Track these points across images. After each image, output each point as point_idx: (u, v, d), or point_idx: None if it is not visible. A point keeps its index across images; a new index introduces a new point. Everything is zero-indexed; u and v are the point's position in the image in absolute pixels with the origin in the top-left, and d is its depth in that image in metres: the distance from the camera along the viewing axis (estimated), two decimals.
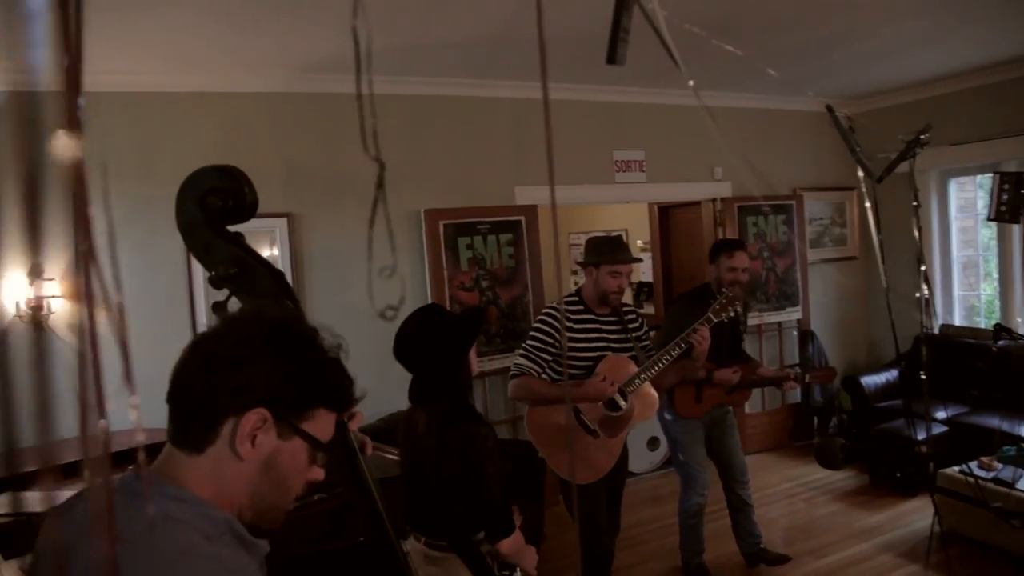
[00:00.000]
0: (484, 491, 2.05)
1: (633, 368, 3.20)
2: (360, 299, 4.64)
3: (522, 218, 5.09)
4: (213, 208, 1.24)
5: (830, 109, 0.86)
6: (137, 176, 4.00)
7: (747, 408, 5.82)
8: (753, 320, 5.68)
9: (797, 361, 6.14)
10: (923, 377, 2.61)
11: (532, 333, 3.20)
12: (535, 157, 5.17)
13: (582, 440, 3.09)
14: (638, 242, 8.24)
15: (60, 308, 3.88)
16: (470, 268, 4.92)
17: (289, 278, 4.36)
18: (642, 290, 7.55)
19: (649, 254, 7.91)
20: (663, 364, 3.15)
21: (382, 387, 4.55)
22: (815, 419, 6.00)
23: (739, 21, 3.90)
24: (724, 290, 3.38)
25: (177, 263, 4.17)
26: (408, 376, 2.31)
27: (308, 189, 4.49)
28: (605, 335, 3.24)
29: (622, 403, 3.13)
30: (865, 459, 5.21)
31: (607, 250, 3.22)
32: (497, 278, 4.97)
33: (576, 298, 3.29)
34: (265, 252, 4.37)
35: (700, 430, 3.79)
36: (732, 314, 3.29)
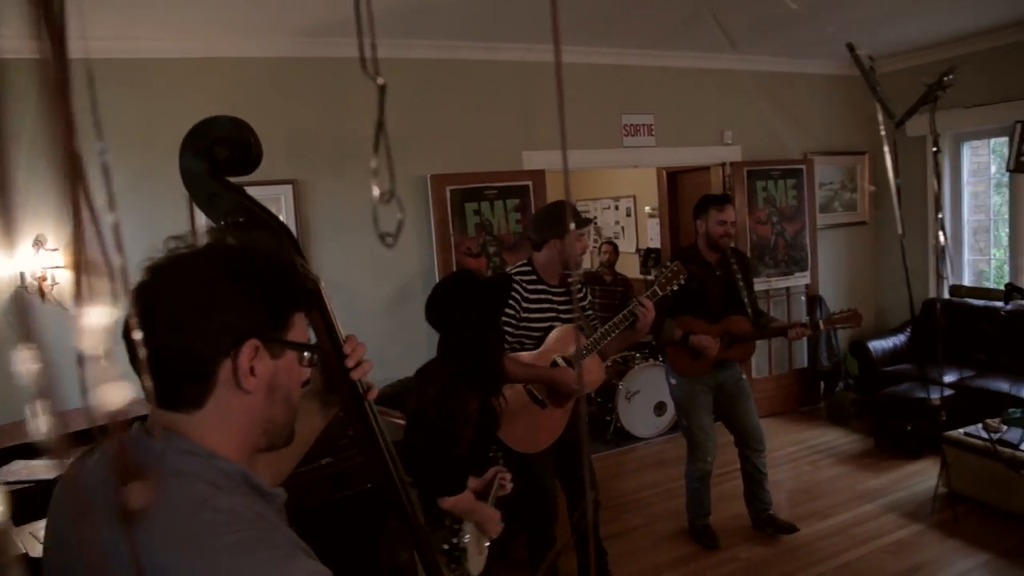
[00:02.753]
0: (445, 448, 2.09)
1: (581, 338, 3.22)
2: (366, 267, 4.66)
3: (530, 183, 5.06)
4: (220, 158, 1.24)
5: (851, 48, 0.84)
6: (140, 144, 3.99)
7: (754, 373, 5.84)
8: (761, 285, 5.66)
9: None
10: (940, 323, 2.57)
11: None
12: (543, 121, 5.12)
13: (531, 411, 3.10)
14: (646, 208, 8.20)
15: (65, 279, 3.90)
16: (477, 234, 4.91)
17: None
18: (649, 256, 7.53)
19: (657, 220, 7.88)
20: (610, 336, 3.16)
21: (390, 353, 4.65)
22: (822, 383, 6.01)
23: None
24: (668, 264, 3.38)
25: (181, 231, 4.18)
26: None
27: (313, 155, 4.47)
28: (555, 306, 3.25)
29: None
30: (871, 421, 5.24)
31: (562, 218, 3.19)
32: (504, 244, 4.97)
33: (529, 268, 3.25)
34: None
35: (707, 394, 3.79)
36: (676, 287, 3.25)
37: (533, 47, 4.86)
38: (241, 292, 0.96)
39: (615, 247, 6.76)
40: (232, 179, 1.31)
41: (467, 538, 2.14)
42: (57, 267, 3.86)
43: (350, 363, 1.28)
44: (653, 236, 8.05)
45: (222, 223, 1.28)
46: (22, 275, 3.83)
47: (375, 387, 1.34)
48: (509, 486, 2.44)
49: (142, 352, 0.89)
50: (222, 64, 4.22)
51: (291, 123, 4.40)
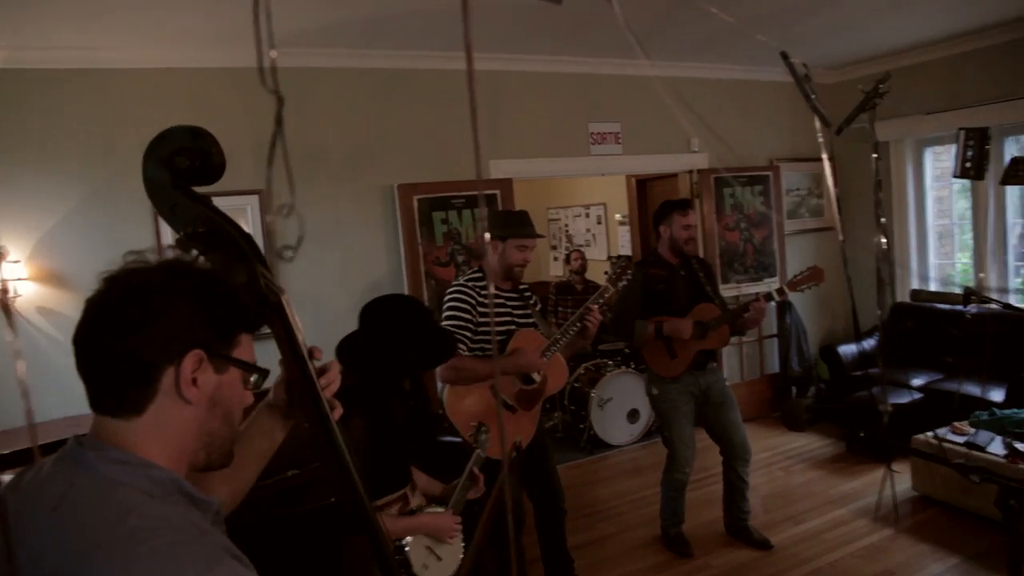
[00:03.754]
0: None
1: (543, 340, 3.21)
2: (334, 276, 4.59)
3: (497, 192, 5.03)
4: (181, 168, 1.21)
5: (784, 56, 0.82)
6: (100, 157, 3.90)
7: (726, 378, 5.84)
8: (730, 291, 5.68)
9: (775, 332, 6.18)
10: (884, 329, 2.58)
11: (447, 314, 3.11)
12: (509, 130, 5.11)
13: (502, 416, 3.08)
14: (616, 216, 8.22)
15: (27, 291, 3.80)
16: (445, 243, 4.86)
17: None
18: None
19: (627, 227, 7.90)
20: (569, 335, 3.16)
21: None
22: (793, 389, 6.04)
23: None
24: (614, 260, 3.40)
25: (145, 243, 4.08)
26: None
27: (278, 165, 4.38)
28: (510, 310, 3.24)
29: (535, 376, 3.18)
30: (841, 426, 5.26)
31: (515, 223, 3.21)
32: (473, 253, 4.92)
33: (480, 274, 3.24)
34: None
35: (688, 404, 3.76)
36: (626, 281, 3.26)
37: (496, 56, 4.85)
38: (190, 304, 0.98)
39: (583, 255, 6.76)
40: (198, 189, 1.29)
41: (407, 549, 2.10)
42: (20, 279, 3.75)
43: (323, 381, 1.25)
44: (624, 243, 8.07)
45: (183, 233, 1.24)
46: None
47: (339, 407, 1.29)
48: (480, 489, 2.39)
49: (89, 358, 0.95)
50: (185, 74, 4.14)
51: (255, 133, 4.32)
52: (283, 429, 1.33)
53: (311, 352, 1.24)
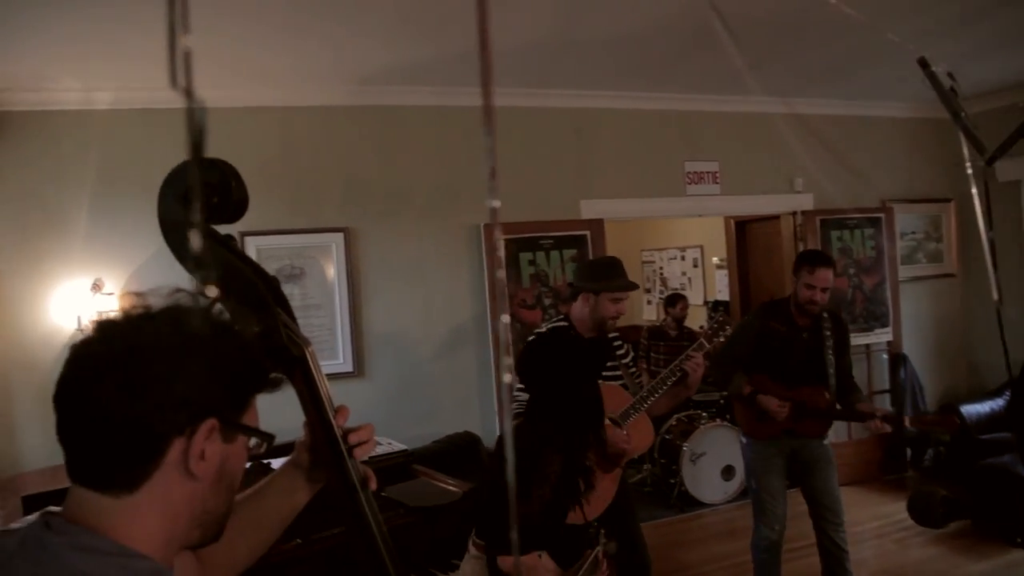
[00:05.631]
0: (523, 503, 1.95)
1: (626, 396, 2.98)
2: (418, 317, 4.52)
3: (587, 232, 4.87)
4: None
5: (923, 63, 0.64)
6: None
7: (832, 436, 5.39)
8: None
9: (887, 387, 5.67)
10: None
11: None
12: (601, 169, 4.96)
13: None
14: (714, 259, 7.90)
15: None
16: (532, 285, 4.73)
17: (345, 293, 4.33)
18: (717, 309, 7.18)
19: (725, 271, 7.56)
20: (659, 393, 2.93)
21: (440, 406, 4.47)
22: (908, 451, 5.51)
23: (818, 21, 3.60)
24: (712, 315, 3.11)
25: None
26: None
27: (364, 203, 4.40)
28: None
29: None
30: (967, 497, 4.71)
31: (608, 275, 2.98)
32: (560, 296, 4.76)
33: (565, 324, 3.04)
34: (324, 267, 4.30)
35: (778, 457, 3.45)
36: (723, 339, 3.03)
37: (587, 93, 4.73)
38: (205, 364, 0.83)
39: (688, 303, 6.45)
40: (229, 228, 1.18)
41: None
42: (113, 311, 3.85)
43: (353, 439, 1.10)
44: (721, 288, 7.71)
45: (199, 277, 1.14)
46: (79, 319, 3.84)
47: (373, 477, 1.14)
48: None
49: (79, 420, 0.81)
50: (275, 113, 4.21)
51: (343, 171, 4.35)
52: (307, 491, 1.19)
53: (338, 411, 1.11)
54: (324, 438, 1.09)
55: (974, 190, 0.76)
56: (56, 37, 3.13)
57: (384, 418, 3.92)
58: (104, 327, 0.84)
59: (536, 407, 2.23)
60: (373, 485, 1.11)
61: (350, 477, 1.09)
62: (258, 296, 1.13)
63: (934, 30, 3.85)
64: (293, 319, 1.13)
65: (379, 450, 3.20)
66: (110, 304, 3.85)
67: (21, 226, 3.83)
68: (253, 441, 0.92)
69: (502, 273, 0.65)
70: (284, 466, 1.20)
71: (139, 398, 0.79)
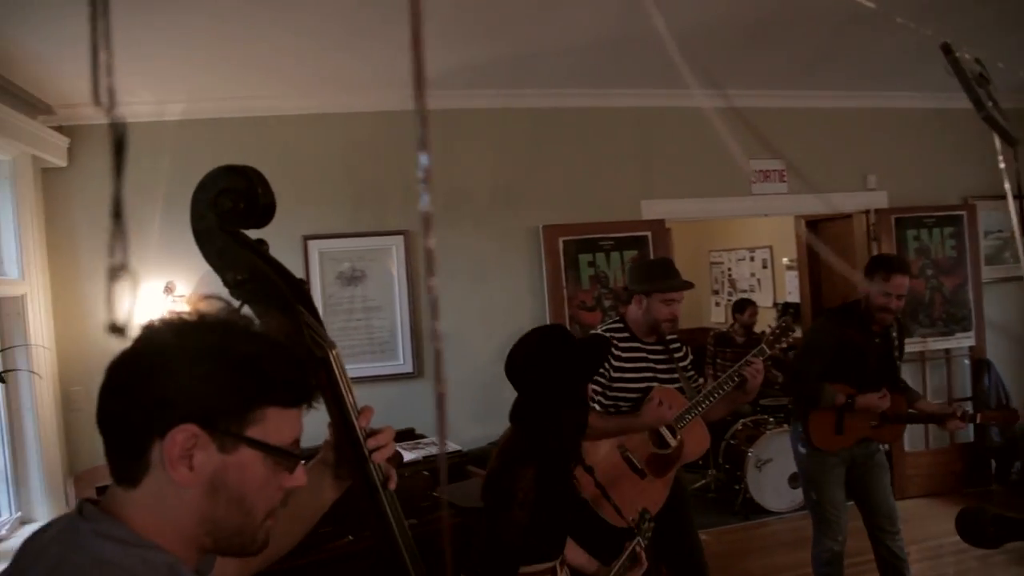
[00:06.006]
0: (497, 530, 1.83)
1: (682, 400, 2.90)
2: (476, 318, 4.54)
3: (648, 233, 4.80)
4: (224, 210, 1.14)
5: (946, 49, 0.58)
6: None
7: (907, 446, 5.17)
8: (916, 346, 5.04)
9: (969, 395, 5.38)
10: None
11: None
12: (663, 169, 4.88)
13: (629, 480, 2.77)
14: (784, 260, 7.66)
15: None
16: (592, 287, 4.69)
17: (405, 295, 4.38)
18: (787, 311, 6.96)
19: (795, 272, 7.33)
20: (716, 398, 2.85)
21: (496, 407, 4.43)
22: (993, 462, 5.22)
23: (886, 11, 3.44)
24: (776, 320, 3.00)
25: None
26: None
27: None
28: (652, 365, 2.97)
29: (671, 440, 2.85)
30: None
31: (659, 275, 2.94)
32: (620, 298, 4.70)
33: (621, 325, 3.00)
34: (385, 269, 4.37)
35: (839, 467, 3.33)
36: (785, 345, 2.95)
37: (649, 92, 4.66)
38: (199, 367, 0.83)
39: (757, 310, 6.30)
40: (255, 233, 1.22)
41: None
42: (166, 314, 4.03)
43: (371, 444, 1.12)
44: (791, 290, 7.47)
45: (227, 280, 1.17)
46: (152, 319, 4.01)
47: (393, 478, 1.15)
48: (644, 565, 2.16)
49: (98, 411, 0.86)
50: (335, 120, 4.31)
51: (404, 175, 4.41)
52: (335, 489, 1.20)
53: (361, 412, 1.12)
54: (346, 438, 1.11)
55: (1007, 185, 0.70)
56: (129, 52, 3.29)
57: None
58: (144, 328, 0.87)
59: (516, 413, 2.07)
60: (392, 485, 1.13)
61: (371, 476, 1.12)
62: (282, 298, 1.16)
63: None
64: (319, 321, 1.16)
65: (434, 451, 3.23)
66: (181, 305, 4.02)
67: (102, 232, 4.03)
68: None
69: (433, 281, 0.64)
70: (313, 464, 1.22)
71: (121, 395, 0.83)
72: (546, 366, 2.00)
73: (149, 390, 0.82)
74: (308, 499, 1.20)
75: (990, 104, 0.65)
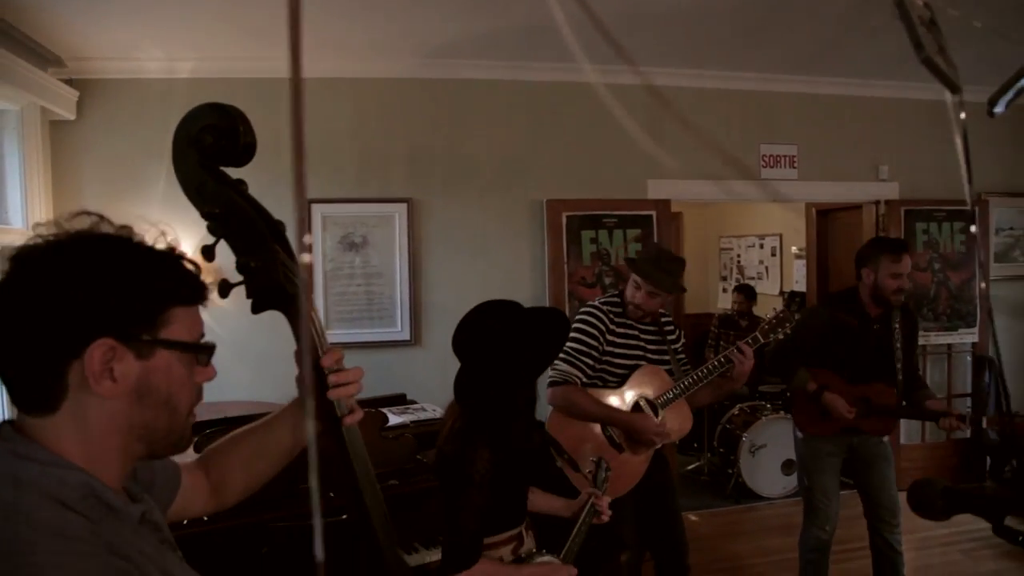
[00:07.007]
0: (455, 512, 1.78)
1: (668, 381, 2.91)
2: (476, 290, 4.55)
3: (653, 213, 4.78)
4: (205, 145, 1.15)
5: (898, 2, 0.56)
6: (268, 161, 4.12)
7: (902, 438, 5.15)
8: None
9: (968, 391, 5.35)
10: None
11: (574, 335, 2.87)
12: (670, 148, 4.84)
13: (607, 454, 2.77)
14: (792, 248, 7.61)
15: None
16: (593, 263, 4.68)
17: (405, 263, 4.40)
18: (793, 300, 6.92)
19: (803, 261, 7.29)
20: (700, 384, 2.85)
21: None
22: (988, 459, 5.19)
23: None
24: (776, 309, 2.97)
25: (295, 242, 4.29)
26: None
27: (428, 175, 4.45)
28: (643, 343, 2.95)
29: (654, 419, 2.85)
30: None
31: (657, 267, 2.87)
32: (621, 276, 4.70)
33: (617, 299, 2.99)
34: (387, 236, 4.38)
35: (834, 456, 3.31)
36: (782, 335, 2.91)
37: (661, 70, 4.62)
38: (98, 281, 0.83)
39: (744, 295, 6.39)
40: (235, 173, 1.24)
41: None
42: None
43: (333, 379, 1.14)
44: (799, 279, 7.43)
45: (205, 214, 1.20)
46: None
47: (359, 411, 1.18)
48: (606, 515, 2.15)
49: None
50: (345, 84, 4.30)
51: (410, 143, 4.42)
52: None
53: (327, 351, 1.14)
54: (307, 372, 1.13)
55: (956, 136, 0.68)
56: (141, 8, 3.30)
57: (438, 386, 3.98)
58: (11, 258, 0.84)
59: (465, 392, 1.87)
60: (355, 419, 1.15)
61: (333, 410, 1.14)
62: (258, 234, 1.19)
63: None
64: (293, 259, 1.18)
65: (423, 416, 3.26)
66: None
67: (111, 190, 4.07)
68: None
69: (308, 257, 0.65)
70: (292, 402, 1.26)
71: (24, 325, 0.81)
72: (502, 347, 1.83)
73: (56, 315, 0.81)
74: (284, 435, 1.23)
75: (935, 49, 0.64)
